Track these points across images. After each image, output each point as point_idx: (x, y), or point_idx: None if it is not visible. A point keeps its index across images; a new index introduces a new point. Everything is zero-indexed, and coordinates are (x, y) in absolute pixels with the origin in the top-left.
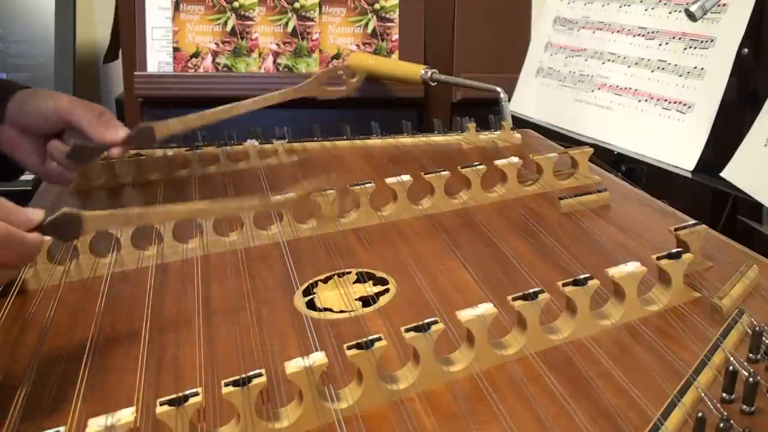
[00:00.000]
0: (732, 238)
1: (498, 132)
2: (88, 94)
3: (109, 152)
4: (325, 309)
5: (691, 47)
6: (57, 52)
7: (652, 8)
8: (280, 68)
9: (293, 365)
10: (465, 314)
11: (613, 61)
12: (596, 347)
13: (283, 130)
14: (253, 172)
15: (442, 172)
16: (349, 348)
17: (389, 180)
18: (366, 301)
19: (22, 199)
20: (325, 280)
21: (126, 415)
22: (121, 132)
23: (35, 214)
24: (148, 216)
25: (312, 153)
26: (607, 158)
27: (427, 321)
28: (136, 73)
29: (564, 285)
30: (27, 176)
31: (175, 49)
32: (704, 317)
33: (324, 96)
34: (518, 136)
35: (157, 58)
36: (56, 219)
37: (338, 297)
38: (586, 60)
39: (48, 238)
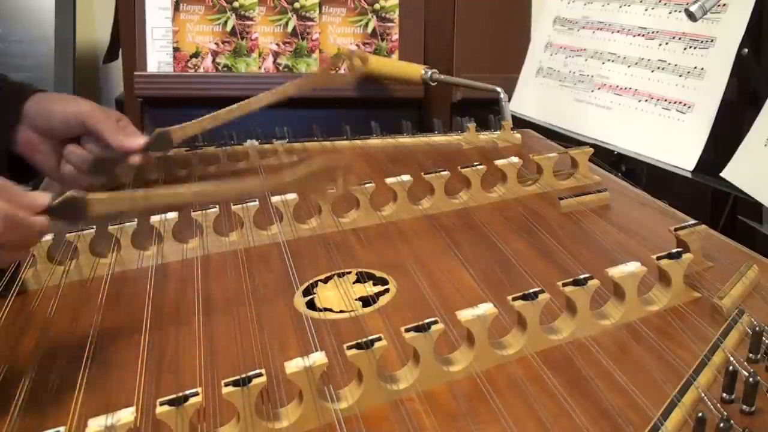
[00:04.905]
0: (732, 238)
1: (498, 132)
2: (88, 94)
3: (130, 159)
4: (325, 309)
5: (691, 47)
6: (57, 52)
7: (652, 8)
8: (280, 68)
9: (293, 365)
10: (465, 314)
11: (613, 61)
12: (596, 347)
13: (283, 130)
14: (253, 172)
15: (442, 172)
16: (349, 348)
17: (389, 180)
18: (366, 301)
19: None
20: (325, 280)
21: (126, 415)
22: (139, 139)
23: (41, 198)
24: (152, 196)
25: (312, 153)
26: (607, 158)
27: (427, 321)
28: (136, 73)
29: (564, 285)
30: None
31: (175, 49)
32: (704, 317)
33: (330, 84)
34: (518, 136)
35: (157, 58)
36: (62, 202)
37: (338, 297)
38: (586, 60)
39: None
